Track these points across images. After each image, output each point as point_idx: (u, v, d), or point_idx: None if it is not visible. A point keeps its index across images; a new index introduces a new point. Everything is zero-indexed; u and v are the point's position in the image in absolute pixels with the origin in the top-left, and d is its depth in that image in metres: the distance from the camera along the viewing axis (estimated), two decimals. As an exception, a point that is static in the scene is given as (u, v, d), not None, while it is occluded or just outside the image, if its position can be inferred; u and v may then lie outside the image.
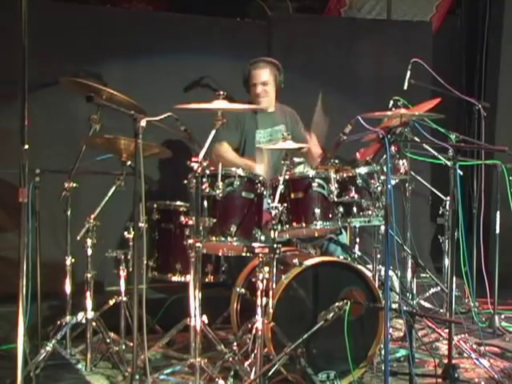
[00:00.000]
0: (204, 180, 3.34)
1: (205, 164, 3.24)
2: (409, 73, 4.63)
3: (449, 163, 3.68)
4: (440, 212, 4.74)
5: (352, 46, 5.74)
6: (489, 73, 6.51)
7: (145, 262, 3.25)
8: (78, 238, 3.67)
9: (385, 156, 3.27)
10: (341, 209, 3.56)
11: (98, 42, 4.91)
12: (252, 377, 3.22)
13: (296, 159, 4.58)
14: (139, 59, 5.05)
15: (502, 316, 4.67)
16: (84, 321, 3.65)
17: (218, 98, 3.38)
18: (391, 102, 4.20)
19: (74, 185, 3.76)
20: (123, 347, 3.68)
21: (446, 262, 4.69)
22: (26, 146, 2.80)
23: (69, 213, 3.79)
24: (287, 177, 3.54)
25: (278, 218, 3.34)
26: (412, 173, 4.65)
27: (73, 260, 3.79)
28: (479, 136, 4.91)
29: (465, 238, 4.31)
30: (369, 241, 4.35)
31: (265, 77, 4.46)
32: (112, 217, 4.64)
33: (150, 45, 5.06)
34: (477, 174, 4.99)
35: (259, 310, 3.22)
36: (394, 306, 3.92)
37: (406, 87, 4.63)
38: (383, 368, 3.33)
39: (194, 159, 3.25)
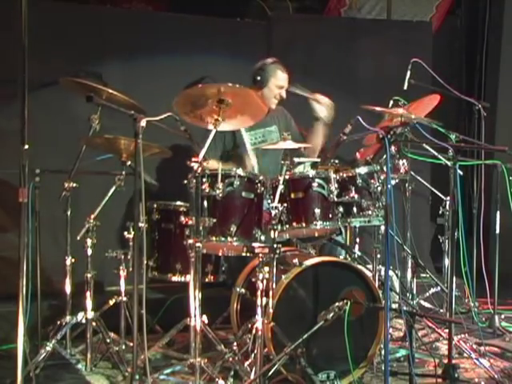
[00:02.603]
0: (204, 180, 3.34)
1: (205, 164, 3.24)
2: (409, 73, 4.63)
3: (449, 163, 3.67)
4: (440, 212, 4.75)
5: (352, 46, 5.74)
6: (489, 73, 6.52)
7: (145, 262, 3.25)
8: (78, 238, 3.67)
9: (385, 156, 3.27)
10: (341, 209, 3.56)
11: (98, 42, 4.91)
12: (252, 377, 3.22)
13: (296, 159, 4.60)
14: (139, 59, 5.06)
15: (502, 316, 4.67)
16: (84, 321, 3.65)
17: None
18: (391, 102, 4.21)
19: (74, 185, 3.76)
20: (123, 347, 3.68)
21: (446, 261, 4.69)
22: (26, 146, 2.80)
23: (69, 213, 3.78)
24: (287, 177, 3.54)
25: (278, 218, 3.35)
26: (412, 173, 4.65)
27: (73, 260, 3.79)
28: (479, 136, 4.90)
29: (465, 237, 4.31)
30: (369, 241, 4.35)
31: (287, 84, 4.41)
32: (112, 217, 4.66)
33: (150, 45, 5.07)
34: (477, 174, 4.99)
35: (259, 310, 3.22)
36: (394, 306, 3.92)
37: (405, 87, 4.63)
38: (383, 368, 3.34)
39: (193, 159, 3.25)
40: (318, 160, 4.31)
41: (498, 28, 6.47)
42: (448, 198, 4.50)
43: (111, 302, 3.84)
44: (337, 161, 3.83)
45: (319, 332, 3.32)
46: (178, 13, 5.42)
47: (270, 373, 3.20)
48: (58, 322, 3.74)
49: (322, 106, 4.35)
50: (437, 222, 4.92)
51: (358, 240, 4.04)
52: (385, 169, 3.42)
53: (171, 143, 4.45)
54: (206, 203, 3.35)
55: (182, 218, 3.41)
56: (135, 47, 5.04)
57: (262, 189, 3.53)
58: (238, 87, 3.36)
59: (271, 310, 3.27)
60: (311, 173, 3.62)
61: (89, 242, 3.67)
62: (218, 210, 3.39)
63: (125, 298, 3.75)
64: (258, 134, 4.42)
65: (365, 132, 3.51)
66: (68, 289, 3.78)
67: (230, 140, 4.32)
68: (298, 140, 4.43)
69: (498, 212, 4.57)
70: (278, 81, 4.39)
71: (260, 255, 3.22)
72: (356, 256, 3.99)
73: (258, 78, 4.35)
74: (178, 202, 3.85)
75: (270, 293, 3.26)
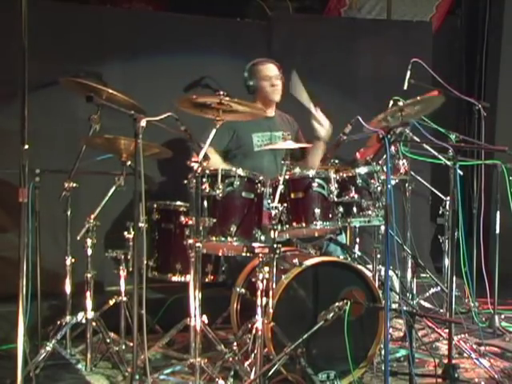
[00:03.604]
0: (204, 180, 3.34)
1: (205, 164, 3.24)
2: (409, 73, 4.63)
3: (449, 163, 3.67)
4: (440, 212, 4.75)
5: (352, 46, 5.74)
6: (489, 73, 6.52)
7: (145, 262, 3.25)
8: (78, 238, 3.67)
9: (385, 156, 3.27)
10: (341, 209, 3.56)
11: (98, 41, 4.91)
12: (252, 377, 3.22)
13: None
14: (139, 59, 5.05)
15: (502, 316, 4.67)
16: (84, 321, 3.65)
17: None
18: (391, 102, 4.20)
19: (74, 185, 3.75)
20: (123, 347, 3.68)
21: (446, 261, 4.69)
22: (26, 146, 2.80)
23: (69, 213, 3.78)
24: (287, 177, 3.54)
25: (278, 218, 3.34)
26: (412, 173, 4.65)
27: (73, 260, 3.79)
28: (479, 136, 4.91)
29: (465, 237, 4.31)
30: (369, 241, 4.35)
31: (276, 71, 4.46)
32: (112, 217, 4.66)
33: (149, 45, 5.06)
34: (477, 174, 4.99)
35: (259, 310, 3.22)
36: (394, 306, 3.92)
37: (405, 87, 4.63)
38: (383, 368, 3.34)
39: (193, 159, 3.25)
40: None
41: (498, 28, 6.47)
42: (448, 198, 4.50)
43: (111, 302, 3.84)
44: (337, 161, 3.83)
45: (319, 332, 3.32)
46: (177, 13, 5.41)
47: (270, 373, 3.20)
48: (58, 322, 3.74)
49: (322, 127, 4.37)
50: (437, 222, 4.92)
51: (358, 240, 4.04)
52: (385, 169, 3.42)
53: (171, 143, 4.45)
54: (206, 203, 3.35)
55: (182, 218, 3.41)
56: (135, 47, 5.04)
57: (262, 189, 3.53)
58: (236, 101, 3.38)
59: (271, 310, 3.27)
60: (311, 173, 3.61)
61: (89, 241, 3.67)
62: (218, 210, 3.39)
63: (125, 298, 3.76)
64: (265, 136, 4.43)
65: (364, 132, 3.51)
66: (68, 289, 3.78)
67: (236, 138, 4.34)
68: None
69: (498, 212, 4.57)
70: (261, 73, 4.45)
71: (260, 255, 3.22)
72: (356, 256, 3.99)
73: (251, 83, 4.45)
74: (178, 202, 3.85)
75: (270, 293, 3.27)
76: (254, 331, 3.23)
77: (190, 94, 3.47)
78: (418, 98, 3.80)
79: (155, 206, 3.88)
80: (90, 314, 3.65)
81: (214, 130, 3.36)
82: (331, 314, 3.32)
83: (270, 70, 4.46)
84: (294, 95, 4.33)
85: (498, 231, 4.57)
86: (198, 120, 3.56)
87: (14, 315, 2.79)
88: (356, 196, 3.55)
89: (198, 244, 3.20)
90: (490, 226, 4.69)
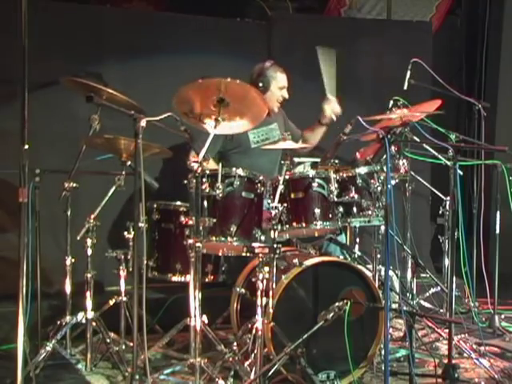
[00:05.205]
0: (204, 180, 3.34)
1: (205, 164, 3.24)
2: (409, 73, 4.63)
3: (449, 163, 3.67)
4: (440, 212, 4.75)
5: (352, 46, 5.74)
6: (489, 73, 6.52)
7: (145, 262, 3.25)
8: (78, 238, 3.67)
9: (385, 156, 3.27)
10: (341, 209, 3.56)
11: (98, 41, 4.91)
12: (252, 377, 3.22)
13: (296, 159, 4.61)
14: (139, 59, 5.06)
15: (502, 316, 4.67)
16: (84, 321, 3.65)
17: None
18: (391, 102, 4.20)
19: (74, 185, 3.75)
20: (123, 347, 3.68)
21: (446, 261, 4.69)
22: (26, 146, 2.80)
23: (69, 213, 3.78)
24: (287, 177, 3.54)
25: (278, 218, 3.35)
26: (412, 173, 4.65)
27: (73, 260, 3.79)
28: (479, 136, 4.91)
29: (465, 237, 4.31)
30: (369, 241, 4.35)
31: (287, 82, 4.47)
32: (112, 217, 4.66)
33: (150, 45, 5.07)
34: (477, 174, 4.99)
35: (259, 310, 3.22)
36: (394, 306, 3.92)
37: (405, 87, 4.63)
38: (383, 368, 3.33)
39: (193, 159, 3.25)
40: (318, 160, 4.32)
41: (497, 28, 6.47)
42: (448, 198, 4.50)
43: (111, 302, 3.84)
44: (337, 161, 3.83)
45: (319, 332, 3.32)
46: (178, 13, 5.41)
47: (270, 373, 3.20)
48: (58, 322, 3.74)
49: (333, 114, 4.38)
50: (437, 221, 4.92)
51: (358, 240, 4.04)
52: (385, 169, 3.42)
53: (171, 143, 4.45)
54: (206, 203, 3.35)
55: (182, 218, 3.42)
56: (135, 47, 5.04)
57: (262, 189, 3.53)
58: (238, 83, 3.37)
59: (271, 310, 3.27)
60: (311, 173, 3.62)
61: (89, 241, 3.67)
62: (218, 210, 3.39)
63: (125, 298, 3.75)
64: (260, 132, 4.43)
65: (365, 132, 3.51)
66: (68, 289, 3.78)
67: (230, 139, 4.32)
68: (297, 136, 4.57)
69: (498, 212, 4.58)
70: (279, 82, 4.44)
71: (260, 255, 3.22)
72: (356, 256, 3.99)
73: (260, 84, 4.36)
74: (178, 202, 3.85)
75: (270, 293, 3.27)
76: (253, 331, 3.23)
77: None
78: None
79: (155, 205, 3.88)
80: (90, 314, 3.65)
81: (214, 131, 3.35)
82: (331, 314, 3.32)
83: (286, 80, 4.45)
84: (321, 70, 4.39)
85: (497, 231, 4.57)
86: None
87: (14, 315, 2.79)
88: (356, 196, 3.55)
89: (198, 244, 3.20)
90: (489, 226, 4.69)
